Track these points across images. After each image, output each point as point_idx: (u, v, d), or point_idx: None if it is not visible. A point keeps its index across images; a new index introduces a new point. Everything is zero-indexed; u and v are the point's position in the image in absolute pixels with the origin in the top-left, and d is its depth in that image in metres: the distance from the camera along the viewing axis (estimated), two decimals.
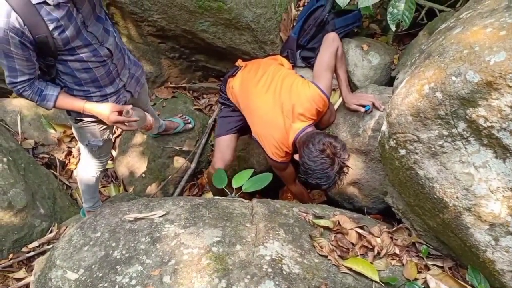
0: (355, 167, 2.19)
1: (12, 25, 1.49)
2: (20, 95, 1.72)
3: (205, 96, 3.53)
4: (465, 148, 1.48)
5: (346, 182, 2.26)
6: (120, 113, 1.88)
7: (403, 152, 1.62)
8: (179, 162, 3.09)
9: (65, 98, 1.81)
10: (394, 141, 1.63)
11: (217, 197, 1.96)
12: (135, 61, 2.11)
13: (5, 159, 2.51)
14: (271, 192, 2.92)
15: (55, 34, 1.60)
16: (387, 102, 2.14)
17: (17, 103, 3.15)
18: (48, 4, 1.54)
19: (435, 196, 1.57)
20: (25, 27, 1.51)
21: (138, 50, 3.06)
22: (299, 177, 2.14)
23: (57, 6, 1.56)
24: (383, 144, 1.71)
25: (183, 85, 3.45)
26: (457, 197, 1.51)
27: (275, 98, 2.13)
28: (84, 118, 1.96)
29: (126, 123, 1.90)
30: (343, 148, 1.89)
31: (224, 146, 2.46)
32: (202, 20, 2.76)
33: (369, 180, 2.17)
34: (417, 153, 1.58)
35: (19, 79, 1.66)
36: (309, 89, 2.07)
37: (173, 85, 3.42)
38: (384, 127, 1.70)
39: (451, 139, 1.49)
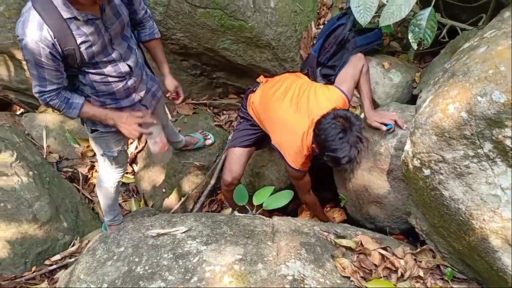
0: (377, 186, 2.17)
1: (44, 38, 1.55)
2: (47, 104, 1.77)
3: (225, 112, 3.56)
4: (492, 169, 1.45)
5: (368, 201, 2.24)
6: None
7: (427, 172, 1.60)
8: (199, 177, 3.11)
9: (90, 107, 1.86)
10: (418, 160, 1.62)
11: (238, 214, 1.97)
12: (152, 76, 2.16)
13: (30, 173, 2.57)
14: (289, 208, 2.91)
15: (82, 48, 1.66)
16: (410, 120, 2.13)
17: (43, 118, 3.24)
18: (78, 20, 1.60)
19: (460, 218, 1.54)
20: (55, 39, 1.58)
21: (157, 71, 3.13)
22: (318, 163, 2.08)
23: (87, 22, 1.62)
24: (407, 164, 1.70)
25: (204, 101, 3.50)
26: (483, 219, 1.48)
27: (293, 103, 2.17)
28: (98, 128, 2.01)
29: (141, 125, 1.91)
30: (356, 117, 1.89)
31: (235, 159, 2.47)
32: (224, 38, 2.81)
33: (392, 200, 2.14)
34: (442, 174, 1.56)
35: (48, 88, 1.71)
36: (328, 90, 2.12)
37: (194, 102, 3.47)
38: (407, 146, 1.68)
39: (477, 159, 1.47)
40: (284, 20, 2.85)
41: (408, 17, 2.31)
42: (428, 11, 2.28)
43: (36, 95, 1.74)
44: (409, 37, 2.33)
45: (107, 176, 2.33)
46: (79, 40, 1.63)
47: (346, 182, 2.39)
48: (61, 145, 3.21)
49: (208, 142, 3.15)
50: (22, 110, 3.69)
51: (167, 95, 2.34)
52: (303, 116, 2.10)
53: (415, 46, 2.35)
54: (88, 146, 3.26)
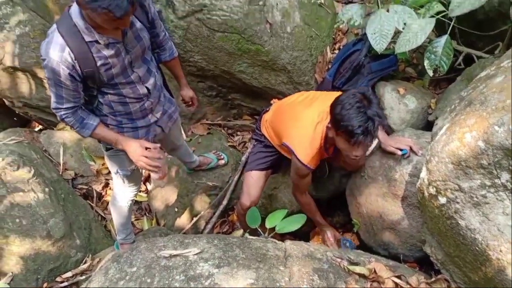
0: (391, 212, 2.15)
1: (65, 59, 1.61)
2: (62, 120, 1.83)
3: (239, 133, 3.59)
4: (509, 199, 1.43)
5: (382, 227, 2.22)
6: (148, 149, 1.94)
7: (443, 200, 1.59)
8: (211, 197, 3.12)
9: (102, 129, 1.90)
10: (434, 188, 1.61)
11: (250, 237, 1.96)
12: (169, 99, 2.20)
13: (47, 189, 2.61)
14: (301, 231, 2.89)
15: (102, 70, 1.71)
16: (425, 147, 2.12)
17: (61, 135, 3.31)
18: (99, 43, 1.65)
19: (477, 248, 1.52)
20: (76, 61, 1.64)
21: (178, 88, 3.18)
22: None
23: (108, 45, 1.67)
24: (422, 191, 1.68)
25: (218, 122, 3.53)
26: (500, 250, 1.45)
27: (306, 103, 2.21)
28: (114, 147, 2.04)
29: (150, 158, 1.91)
30: (375, 96, 1.87)
31: (252, 182, 2.48)
32: (240, 61, 2.86)
33: (406, 227, 2.11)
34: (458, 202, 1.54)
35: (64, 106, 1.77)
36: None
37: (209, 122, 3.51)
38: (423, 174, 1.67)
39: (494, 189, 1.45)
40: (300, 44, 2.89)
41: (424, 43, 2.33)
42: (444, 38, 2.30)
43: (53, 111, 1.80)
44: (425, 64, 2.35)
45: (121, 195, 2.36)
46: (99, 63, 1.68)
47: (359, 207, 2.38)
48: (77, 162, 3.26)
49: (222, 162, 3.16)
50: (40, 126, 3.77)
51: (182, 102, 2.41)
52: (314, 110, 2.13)
53: (430, 73, 2.36)
54: (103, 164, 3.31)
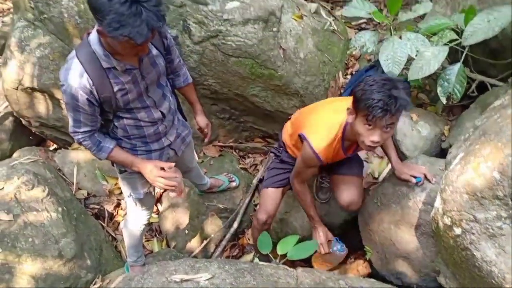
0: (404, 240, 2.13)
1: (83, 85, 1.65)
2: (80, 143, 1.86)
3: (250, 155, 3.60)
4: None
5: (395, 255, 2.19)
6: (163, 169, 1.96)
7: (458, 231, 1.57)
8: (221, 220, 3.11)
9: (118, 152, 1.92)
10: (449, 218, 1.59)
11: (261, 263, 1.95)
12: (183, 122, 2.23)
13: (60, 209, 2.63)
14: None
15: (118, 95, 1.75)
16: (439, 174, 2.10)
17: (75, 155, 3.35)
18: (117, 69, 1.69)
19: (493, 281, 1.49)
20: (93, 87, 1.67)
21: (191, 110, 3.22)
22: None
23: (124, 71, 1.71)
24: (437, 221, 1.66)
25: (230, 144, 3.55)
26: None
27: (329, 101, 2.29)
28: (127, 169, 2.06)
29: (167, 178, 1.92)
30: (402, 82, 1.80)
31: (270, 198, 2.47)
32: (254, 85, 2.90)
33: (419, 256, 2.08)
34: (473, 233, 1.52)
35: (82, 130, 1.80)
36: None
37: (221, 144, 3.53)
38: (437, 203, 1.66)
39: (510, 221, 1.44)
40: (312, 70, 2.93)
41: (436, 70, 2.34)
42: (457, 66, 2.31)
43: (71, 134, 1.84)
44: (438, 91, 2.36)
45: (133, 218, 2.37)
46: (115, 88, 1.72)
47: (372, 234, 2.35)
48: (90, 182, 3.29)
49: (233, 184, 3.17)
50: (55, 146, 3.83)
51: (198, 129, 2.42)
52: (336, 105, 2.10)
53: (444, 100, 2.37)
54: (116, 184, 3.33)
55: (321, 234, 2.42)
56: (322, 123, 2.05)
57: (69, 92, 1.66)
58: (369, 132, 1.79)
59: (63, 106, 3.20)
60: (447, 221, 1.60)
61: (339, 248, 2.40)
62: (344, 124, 2.00)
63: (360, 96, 1.75)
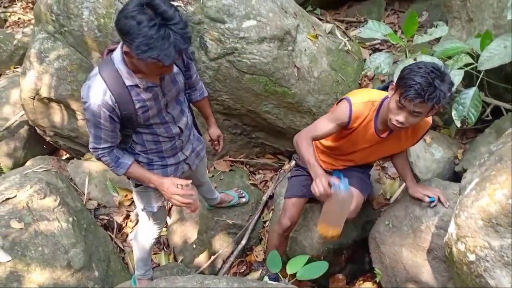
0: (415, 264, 2.10)
1: (106, 102, 1.68)
2: (99, 159, 1.88)
3: (261, 171, 3.60)
4: None
5: (406, 279, 2.15)
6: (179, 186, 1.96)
7: (472, 257, 1.54)
8: (230, 236, 3.10)
9: (136, 168, 1.93)
10: (463, 244, 1.57)
11: (270, 282, 1.93)
12: (198, 137, 2.25)
13: (70, 219, 2.64)
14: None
15: (140, 112, 1.78)
16: (452, 199, 2.08)
17: (87, 165, 3.38)
18: (139, 87, 1.72)
19: None
20: (116, 104, 1.70)
21: (204, 125, 3.23)
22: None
23: (146, 89, 1.74)
24: (450, 246, 1.64)
25: (241, 159, 3.56)
26: None
27: None
28: (143, 184, 2.06)
29: (183, 196, 1.91)
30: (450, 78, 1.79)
31: (294, 207, 2.44)
32: (267, 102, 2.91)
33: (431, 281, 2.05)
34: (488, 261, 1.50)
35: (102, 146, 1.82)
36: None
37: (232, 159, 3.54)
38: (451, 228, 1.64)
39: None
40: (326, 88, 2.94)
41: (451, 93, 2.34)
42: (472, 90, 2.31)
43: (91, 150, 1.86)
44: (453, 115, 2.35)
45: (145, 231, 2.37)
46: (137, 105, 1.74)
47: (382, 257, 2.32)
48: (101, 193, 3.31)
49: (242, 200, 3.16)
50: (68, 155, 3.87)
51: (209, 141, 2.46)
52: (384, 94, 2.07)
53: (458, 124, 2.36)
54: (126, 195, 3.35)
55: (323, 180, 1.88)
56: (364, 92, 2.11)
57: (92, 109, 1.68)
58: (398, 112, 1.82)
59: (78, 117, 3.25)
60: (461, 247, 1.58)
61: (340, 186, 1.85)
62: (383, 99, 2.01)
63: (404, 74, 1.78)
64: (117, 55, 1.68)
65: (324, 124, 2.08)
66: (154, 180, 1.92)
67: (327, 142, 2.30)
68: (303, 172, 2.47)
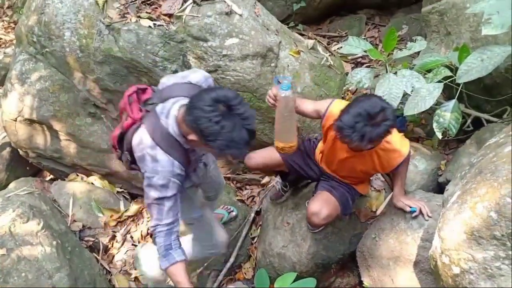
0: (403, 277, 2.10)
1: (177, 173, 1.68)
2: (154, 238, 1.84)
3: (248, 187, 3.59)
4: None
5: None
6: None
7: (457, 270, 1.55)
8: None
9: (180, 270, 1.79)
10: (447, 257, 1.58)
11: None
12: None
13: (54, 242, 2.59)
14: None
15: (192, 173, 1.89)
16: (436, 210, 2.10)
17: (71, 186, 3.33)
18: (194, 150, 1.79)
19: None
20: (183, 170, 1.72)
21: None
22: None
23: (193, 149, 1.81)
24: (435, 259, 1.65)
25: (228, 175, 3.54)
26: None
27: None
28: None
29: None
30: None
31: (265, 151, 2.46)
32: None
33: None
34: (472, 273, 1.51)
35: (164, 222, 1.73)
36: None
37: None
38: (435, 241, 1.65)
39: (508, 261, 1.43)
40: None
41: (432, 105, 2.38)
42: (452, 103, 2.35)
43: (151, 229, 1.79)
44: (434, 127, 2.39)
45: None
46: (194, 165, 1.84)
47: (370, 270, 2.32)
48: (86, 214, 3.25)
49: (233, 214, 3.15)
50: (52, 176, 3.81)
51: None
52: None
53: (439, 135, 2.39)
54: (111, 216, 3.30)
55: (272, 89, 2.08)
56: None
57: (160, 183, 1.65)
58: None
59: (61, 137, 3.21)
60: (446, 260, 1.59)
61: (281, 87, 1.83)
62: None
63: (345, 108, 1.83)
64: (171, 123, 1.66)
65: (308, 102, 2.21)
66: None
67: (320, 145, 2.35)
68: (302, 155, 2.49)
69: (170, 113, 1.67)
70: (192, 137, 1.58)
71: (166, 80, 1.88)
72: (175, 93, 1.75)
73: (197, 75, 1.89)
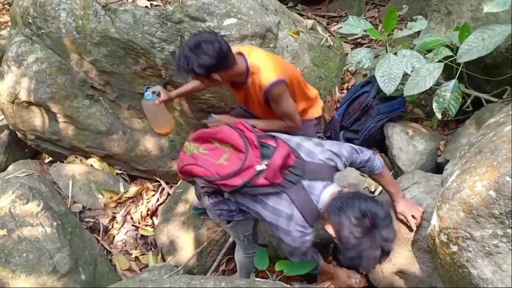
0: (401, 256, 2.12)
1: (310, 231, 1.77)
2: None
3: None
4: None
5: (391, 271, 2.18)
6: None
7: (454, 248, 1.57)
8: (218, 234, 3.09)
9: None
10: (445, 236, 1.59)
11: (257, 279, 1.94)
12: None
13: (54, 223, 2.61)
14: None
15: None
16: (434, 190, 2.11)
17: (70, 168, 3.34)
18: None
19: None
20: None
21: (188, 124, 3.23)
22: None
23: None
24: (433, 238, 1.67)
25: None
26: None
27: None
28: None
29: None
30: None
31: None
32: None
33: (416, 271, 2.08)
34: (470, 251, 1.53)
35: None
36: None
37: None
38: (434, 220, 1.67)
39: (506, 239, 1.44)
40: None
41: (432, 86, 2.37)
42: (452, 83, 2.34)
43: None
44: (434, 107, 2.38)
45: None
46: None
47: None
48: (86, 195, 3.27)
49: None
50: (50, 158, 3.81)
51: None
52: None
53: (439, 116, 2.39)
54: (111, 197, 3.32)
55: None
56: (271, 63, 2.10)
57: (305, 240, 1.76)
58: None
59: (59, 119, 3.20)
60: (444, 238, 1.61)
61: (145, 96, 2.38)
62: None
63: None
64: (320, 206, 1.71)
65: (292, 105, 2.23)
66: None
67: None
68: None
69: (321, 198, 1.70)
70: (329, 228, 1.64)
71: (310, 147, 1.82)
72: (322, 176, 1.76)
73: (345, 151, 1.86)
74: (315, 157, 1.77)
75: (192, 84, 2.47)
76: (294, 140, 1.83)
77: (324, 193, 1.70)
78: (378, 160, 1.95)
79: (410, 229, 2.04)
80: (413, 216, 2.01)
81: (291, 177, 1.70)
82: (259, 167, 1.70)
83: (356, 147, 1.91)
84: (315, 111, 2.41)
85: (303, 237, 1.73)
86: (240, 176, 1.72)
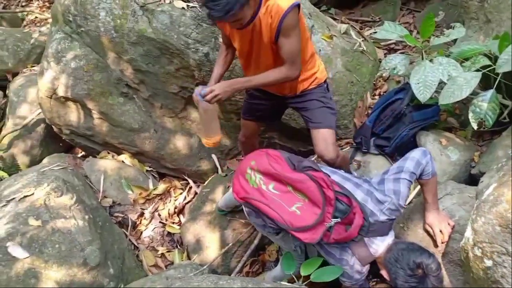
0: None
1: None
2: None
3: None
4: None
5: None
6: None
7: (489, 263, 1.53)
8: (243, 235, 3.11)
9: None
10: (480, 250, 1.56)
11: (284, 283, 1.94)
12: None
13: (86, 217, 2.68)
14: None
15: None
16: (468, 202, 2.07)
17: (102, 164, 3.42)
18: None
19: None
20: None
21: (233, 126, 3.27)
22: None
23: None
24: (467, 251, 1.63)
25: None
26: None
27: None
28: None
29: None
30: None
31: (244, 127, 2.64)
32: None
33: (446, 284, 2.03)
34: (505, 267, 1.49)
35: None
36: None
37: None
38: (468, 233, 1.63)
39: None
40: (340, 89, 2.93)
41: (468, 95, 2.31)
42: (490, 93, 2.28)
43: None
44: (470, 117, 2.32)
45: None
46: None
47: None
48: (116, 191, 3.35)
49: None
50: (83, 153, 3.92)
51: None
52: None
53: (475, 126, 2.33)
54: (140, 194, 3.39)
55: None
56: None
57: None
58: None
59: (94, 115, 3.29)
60: (478, 252, 1.57)
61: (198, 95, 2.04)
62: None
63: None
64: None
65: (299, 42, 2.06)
66: None
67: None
68: (253, 100, 2.47)
69: (379, 250, 1.90)
70: (385, 274, 1.87)
71: (373, 208, 1.91)
72: (382, 233, 1.92)
73: (403, 188, 1.96)
74: (377, 219, 1.89)
75: (218, 65, 2.29)
76: (359, 195, 1.90)
77: (381, 245, 1.89)
78: (431, 166, 1.99)
79: (435, 243, 2.01)
80: (441, 231, 1.99)
81: (356, 237, 1.84)
82: (328, 224, 1.79)
83: (416, 162, 1.96)
84: (322, 74, 2.35)
85: (362, 277, 1.98)
86: (311, 232, 1.79)
